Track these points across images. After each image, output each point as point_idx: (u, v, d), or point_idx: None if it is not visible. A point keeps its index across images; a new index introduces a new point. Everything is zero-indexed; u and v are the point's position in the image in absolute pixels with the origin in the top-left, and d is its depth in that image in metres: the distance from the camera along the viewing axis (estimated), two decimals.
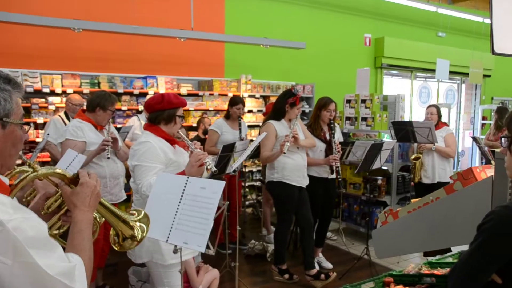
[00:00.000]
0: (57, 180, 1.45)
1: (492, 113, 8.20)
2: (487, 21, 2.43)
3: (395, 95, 6.23)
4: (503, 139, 1.53)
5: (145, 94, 6.02)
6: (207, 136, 5.17)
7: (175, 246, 2.10)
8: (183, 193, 2.13)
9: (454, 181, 2.42)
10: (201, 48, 7.01)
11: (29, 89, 5.28)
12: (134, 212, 1.61)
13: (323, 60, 8.50)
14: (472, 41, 10.48)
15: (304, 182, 4.23)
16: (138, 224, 1.57)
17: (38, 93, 5.40)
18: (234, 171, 3.96)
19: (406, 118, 7.62)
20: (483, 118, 11.04)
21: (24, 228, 1.06)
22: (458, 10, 9.52)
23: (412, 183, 5.27)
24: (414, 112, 10.26)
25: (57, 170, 1.40)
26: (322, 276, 4.21)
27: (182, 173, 2.66)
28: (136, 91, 6.05)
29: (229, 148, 4.05)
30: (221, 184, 2.08)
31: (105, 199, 3.75)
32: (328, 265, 4.74)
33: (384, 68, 9.55)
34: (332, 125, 4.52)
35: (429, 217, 2.31)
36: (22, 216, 1.08)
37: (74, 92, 5.36)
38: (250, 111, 7.09)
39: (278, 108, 4.22)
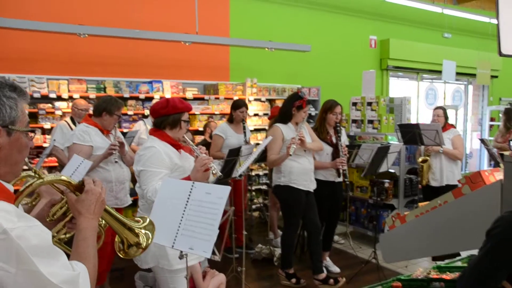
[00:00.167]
0: (62, 187, 1.45)
1: (500, 115, 8.13)
2: (494, 21, 2.40)
3: (401, 97, 6.20)
4: (511, 142, 1.51)
5: (151, 98, 6.04)
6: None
7: (181, 251, 2.09)
8: (188, 198, 2.13)
9: (462, 184, 2.40)
10: (206, 52, 7.02)
11: (36, 95, 5.31)
12: (139, 219, 1.61)
13: (328, 62, 8.48)
14: (479, 41, 10.43)
15: (311, 186, 4.21)
16: (143, 231, 1.56)
17: (45, 99, 5.43)
18: (240, 175, 3.95)
19: (413, 120, 7.58)
20: (491, 120, 10.95)
21: (27, 236, 1.06)
22: (464, 11, 9.47)
23: (419, 186, 5.22)
24: (421, 114, 10.20)
25: (63, 177, 1.40)
26: (331, 281, 4.19)
27: (188, 178, 2.65)
28: (142, 96, 6.06)
29: (235, 152, 4.05)
30: (226, 190, 2.07)
31: (111, 203, 3.76)
32: (336, 269, 4.71)
33: (390, 70, 9.51)
34: (338, 128, 4.50)
35: (437, 222, 2.29)
36: (26, 224, 1.08)
37: (81, 97, 5.39)
38: (256, 115, 7.08)
39: (285, 111, 4.21)
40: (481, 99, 11.67)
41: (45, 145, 5.26)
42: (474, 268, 1.51)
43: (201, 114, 6.56)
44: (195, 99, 6.55)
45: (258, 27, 7.65)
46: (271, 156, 4.12)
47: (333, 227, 4.77)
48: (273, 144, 4.09)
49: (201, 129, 6.32)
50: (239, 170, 3.89)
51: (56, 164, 5.04)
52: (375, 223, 4.92)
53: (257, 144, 5.55)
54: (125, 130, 5.71)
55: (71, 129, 4.57)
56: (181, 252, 2.09)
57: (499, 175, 2.26)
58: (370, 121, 5.86)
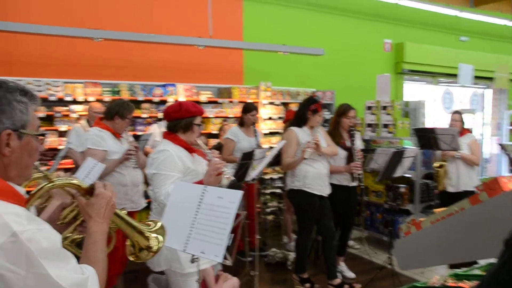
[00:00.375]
0: (73, 190, 1.45)
1: None
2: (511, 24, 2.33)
3: (416, 101, 6.12)
4: None
5: (165, 101, 6.07)
6: None
7: (192, 255, 2.07)
8: (200, 202, 2.12)
9: (479, 191, 2.34)
10: (220, 55, 7.03)
11: (52, 98, 5.38)
12: (150, 222, 1.60)
13: (342, 66, 8.43)
14: (497, 44, 10.25)
15: (325, 191, 4.17)
16: (153, 235, 1.55)
17: (61, 102, 5.50)
18: (253, 179, 3.93)
19: (429, 125, 7.47)
20: (511, 124, 10.74)
21: (37, 239, 1.06)
22: (481, 14, 9.32)
23: (436, 191, 5.13)
24: (437, 118, 10.06)
25: (74, 181, 1.40)
26: (346, 287, 4.15)
27: (200, 182, 2.64)
28: (156, 99, 6.10)
29: (248, 156, 4.03)
30: (238, 194, 2.05)
31: (127, 207, 3.76)
32: (350, 274, 4.64)
33: (405, 73, 9.40)
34: (352, 132, 4.45)
35: (453, 229, 2.23)
36: (36, 227, 1.08)
37: (96, 100, 5.44)
38: (270, 118, 7.07)
39: (300, 115, 4.18)
40: (500, 103, 11.45)
41: (60, 147, 5.32)
42: (493, 278, 1.46)
43: (215, 117, 6.57)
44: (209, 102, 6.57)
45: (272, 31, 7.64)
46: (286, 159, 4.09)
47: (348, 232, 4.73)
48: (287, 147, 4.06)
49: (215, 132, 6.32)
50: (252, 173, 3.87)
51: (72, 166, 5.09)
52: (390, 228, 4.85)
53: (271, 147, 5.53)
54: (139, 133, 5.75)
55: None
56: (193, 256, 2.08)
57: None
58: (385, 125, 5.79)
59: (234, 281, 3.55)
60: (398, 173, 4.51)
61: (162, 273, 3.07)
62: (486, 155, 10.37)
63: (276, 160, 4.50)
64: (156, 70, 6.58)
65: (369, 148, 5.25)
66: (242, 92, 6.83)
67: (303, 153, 3.88)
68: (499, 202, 2.14)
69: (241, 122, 5.03)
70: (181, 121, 2.81)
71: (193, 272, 2.57)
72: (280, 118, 7.03)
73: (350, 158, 4.39)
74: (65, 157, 4.77)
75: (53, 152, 5.29)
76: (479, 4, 10.01)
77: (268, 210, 6.79)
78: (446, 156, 4.83)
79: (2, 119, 1.16)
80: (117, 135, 3.73)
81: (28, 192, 1.33)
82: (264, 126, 6.99)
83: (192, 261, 2.08)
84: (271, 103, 7.11)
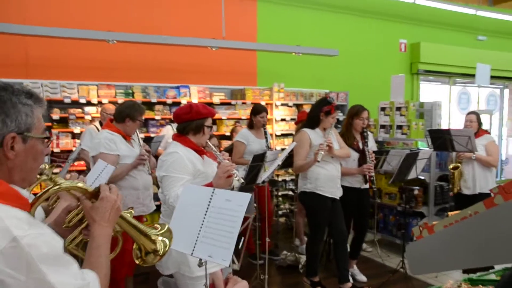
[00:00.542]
0: (78, 193, 1.45)
1: None
2: None
3: (431, 102, 6.02)
4: None
5: (178, 103, 6.09)
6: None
7: (200, 259, 2.06)
8: (208, 205, 2.10)
9: (494, 194, 2.28)
10: (234, 56, 7.03)
11: (67, 100, 5.44)
12: (158, 226, 1.59)
13: (356, 67, 8.35)
14: None
15: (337, 193, 4.12)
16: (160, 238, 1.54)
17: (75, 104, 5.55)
18: (263, 181, 3.90)
19: (444, 126, 7.36)
20: None
21: (38, 244, 1.06)
22: (500, 12, 9.14)
23: (451, 193, 5.04)
24: (453, 119, 9.90)
25: (79, 184, 1.40)
26: None
27: (210, 184, 2.63)
28: (169, 101, 6.12)
29: (260, 158, 4.01)
30: (246, 197, 2.03)
31: (138, 210, 3.74)
32: (362, 278, 4.59)
33: (420, 74, 9.27)
34: (365, 134, 4.40)
35: (467, 233, 2.17)
36: (37, 232, 1.08)
37: (109, 102, 5.48)
38: (283, 120, 7.04)
39: (313, 116, 4.13)
40: None
41: (74, 149, 5.37)
42: (507, 284, 1.41)
43: (228, 119, 6.56)
44: (222, 104, 6.57)
45: (286, 32, 7.61)
46: (298, 161, 4.05)
47: (362, 236, 4.65)
48: (300, 149, 4.02)
49: (228, 134, 6.32)
50: (263, 176, 3.84)
51: (85, 168, 5.13)
52: (403, 231, 4.77)
53: (283, 149, 5.49)
54: (152, 135, 5.78)
55: None
56: (200, 259, 2.07)
57: None
58: (399, 127, 5.71)
59: (244, 284, 3.52)
60: (412, 175, 4.43)
61: (172, 276, 3.07)
62: (503, 156, 10.16)
63: (289, 162, 4.47)
64: (169, 72, 6.61)
65: (382, 150, 5.17)
66: (255, 94, 6.81)
67: (315, 156, 3.84)
68: None
69: (251, 124, 4.96)
70: (191, 123, 2.80)
71: (202, 276, 2.55)
72: (292, 119, 6.99)
73: (362, 160, 4.33)
74: (79, 159, 4.81)
75: (67, 154, 5.35)
76: (498, 3, 9.81)
77: (280, 212, 6.76)
78: (462, 157, 4.74)
79: (6, 122, 1.16)
80: (127, 137, 3.70)
81: (35, 194, 1.33)
82: (276, 128, 6.96)
83: (200, 264, 2.07)
84: (284, 105, 7.08)
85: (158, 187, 2.87)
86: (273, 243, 5.38)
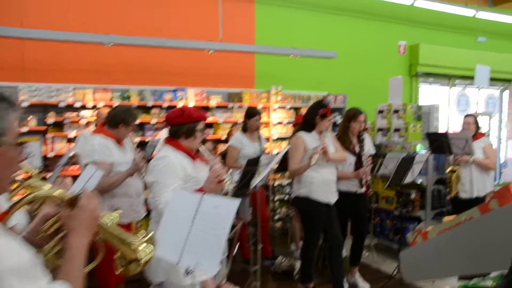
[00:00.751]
0: (57, 201, 1.40)
1: None
2: None
3: (429, 105, 5.98)
4: None
5: (175, 107, 6.04)
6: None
7: (186, 268, 2.02)
8: (196, 212, 2.06)
9: (490, 199, 2.23)
10: (231, 59, 6.98)
11: (62, 104, 5.40)
12: (141, 233, 1.55)
13: (355, 69, 8.30)
14: None
15: (332, 198, 4.06)
16: (142, 246, 1.50)
17: (71, 108, 5.51)
18: (255, 186, 3.84)
19: (443, 129, 7.31)
20: None
21: (5, 256, 1.01)
22: (500, 13, 9.09)
23: (448, 197, 4.99)
24: (452, 122, 9.84)
25: (55, 193, 1.36)
26: None
27: (201, 189, 2.59)
28: (165, 104, 6.07)
29: (254, 162, 3.96)
30: (234, 204, 1.99)
31: (130, 217, 3.67)
32: (365, 286, 4.51)
33: (419, 76, 9.23)
34: (361, 137, 4.35)
35: (462, 239, 2.13)
36: (5, 243, 1.03)
37: (105, 105, 5.44)
38: (280, 123, 7.00)
39: (308, 119, 4.09)
40: None
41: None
42: None
43: (225, 122, 6.51)
44: (218, 107, 6.52)
45: (283, 34, 7.56)
46: (292, 165, 4.01)
47: (361, 241, 4.59)
48: (295, 153, 3.98)
49: (224, 137, 6.27)
50: (256, 180, 3.80)
51: (80, 173, 5.07)
52: (400, 236, 4.72)
53: (278, 153, 5.44)
54: (148, 139, 5.73)
55: None
56: (187, 268, 2.02)
57: None
58: (397, 130, 5.67)
59: None
60: (408, 179, 4.39)
61: (161, 284, 3.02)
62: (503, 159, 10.10)
63: (285, 166, 4.42)
64: (166, 75, 6.56)
65: (379, 153, 5.13)
66: (252, 97, 6.77)
67: (309, 159, 3.79)
68: (511, 211, 2.03)
69: (244, 128, 4.91)
70: (183, 127, 2.76)
71: (193, 284, 2.51)
72: (289, 123, 6.95)
73: (358, 164, 4.28)
74: (74, 163, 4.76)
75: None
76: (498, 4, 9.76)
77: (276, 217, 6.70)
78: (459, 160, 4.69)
79: None
80: (120, 142, 3.60)
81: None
82: (274, 131, 6.92)
83: (187, 273, 2.02)
84: (282, 107, 7.04)
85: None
86: (272, 249, 5.29)
